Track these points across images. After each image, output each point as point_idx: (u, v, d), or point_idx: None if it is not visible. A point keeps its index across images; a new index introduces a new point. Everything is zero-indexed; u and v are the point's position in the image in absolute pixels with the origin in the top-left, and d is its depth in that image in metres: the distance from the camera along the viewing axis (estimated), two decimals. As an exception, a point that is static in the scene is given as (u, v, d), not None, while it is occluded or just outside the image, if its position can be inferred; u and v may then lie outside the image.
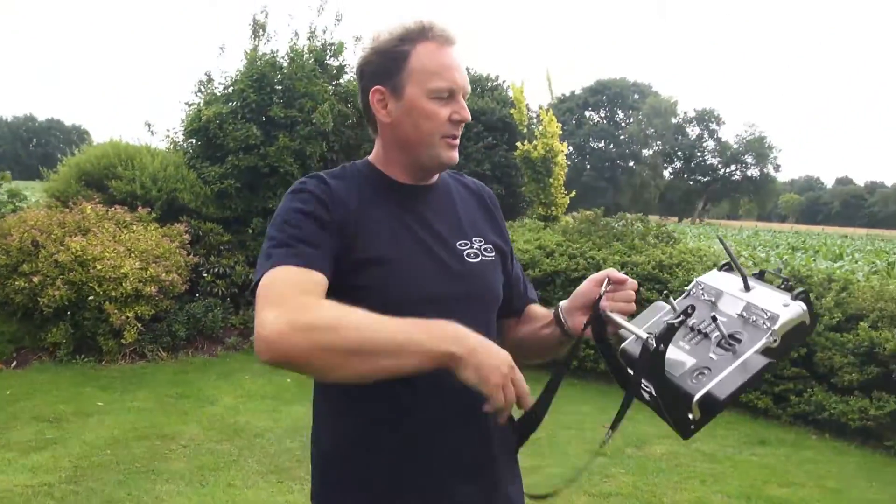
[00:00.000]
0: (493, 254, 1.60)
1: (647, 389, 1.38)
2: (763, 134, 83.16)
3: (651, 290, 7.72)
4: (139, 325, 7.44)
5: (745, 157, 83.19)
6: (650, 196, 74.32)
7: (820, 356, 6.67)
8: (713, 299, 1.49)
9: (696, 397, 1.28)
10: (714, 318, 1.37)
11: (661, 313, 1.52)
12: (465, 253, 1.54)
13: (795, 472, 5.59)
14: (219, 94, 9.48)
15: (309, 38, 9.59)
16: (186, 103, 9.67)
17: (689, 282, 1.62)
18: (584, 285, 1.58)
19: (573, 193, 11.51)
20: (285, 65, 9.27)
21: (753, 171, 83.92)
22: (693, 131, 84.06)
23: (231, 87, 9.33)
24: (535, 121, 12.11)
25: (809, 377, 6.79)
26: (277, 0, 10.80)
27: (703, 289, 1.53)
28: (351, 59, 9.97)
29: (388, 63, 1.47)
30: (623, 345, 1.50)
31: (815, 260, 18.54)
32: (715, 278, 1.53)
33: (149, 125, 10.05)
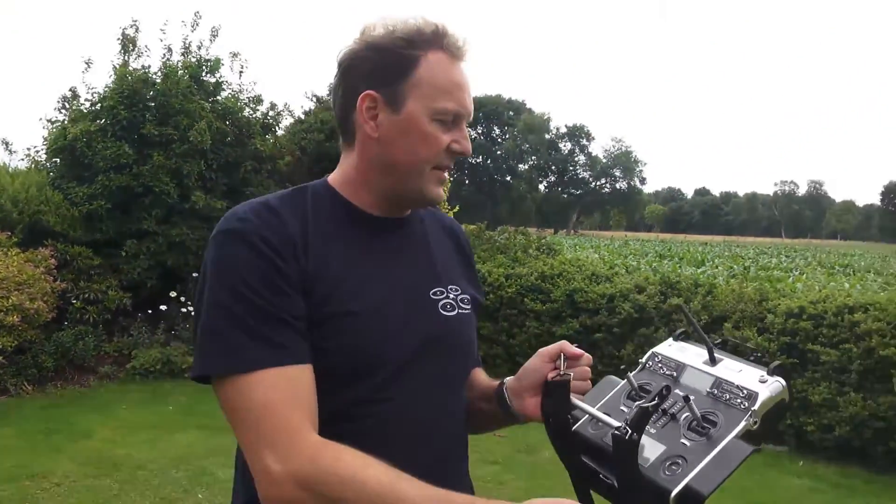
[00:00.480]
0: (469, 307, 1.38)
1: (608, 480, 1.20)
2: (629, 148, 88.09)
3: (535, 301, 7.99)
4: (0, 358, 6.90)
5: (614, 170, 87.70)
6: (527, 209, 76.64)
7: (690, 356, 7.11)
8: (674, 373, 1.31)
9: (674, 493, 1.09)
10: (687, 399, 1.18)
11: (614, 390, 1.37)
12: (440, 304, 1.31)
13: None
14: (85, 110, 8.99)
15: (183, 54, 9.29)
16: (49, 120, 9.10)
17: (644, 352, 1.47)
18: (534, 361, 1.37)
19: (456, 208, 11.71)
20: (158, 81, 8.92)
21: (622, 184, 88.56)
22: (565, 146, 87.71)
23: (99, 104, 8.87)
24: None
25: (682, 376, 7.22)
26: (148, 14, 10.38)
27: (659, 361, 1.36)
28: (228, 76, 9.74)
29: (389, 66, 1.21)
30: (575, 427, 1.32)
31: (680, 266, 19.75)
32: (672, 349, 1.36)
33: (6, 143, 9.39)
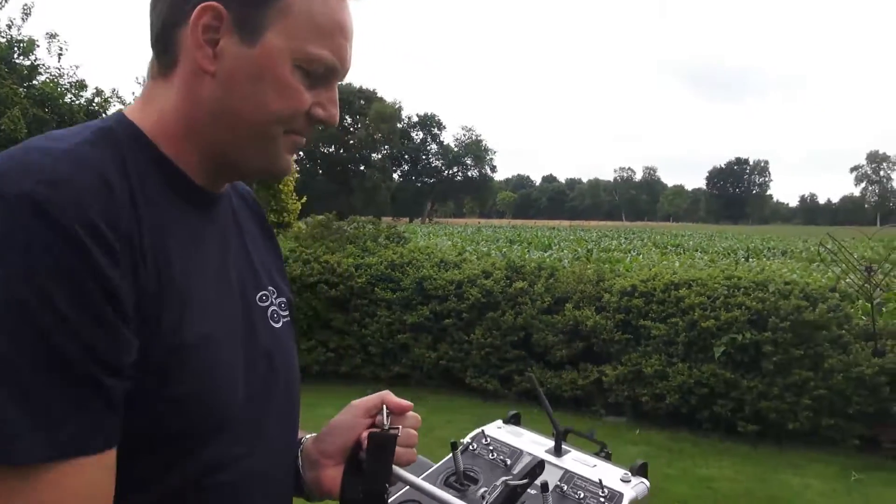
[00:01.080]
0: (288, 313, 1.03)
1: None
2: (480, 137, 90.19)
3: (385, 290, 7.97)
4: None
5: (465, 158, 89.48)
6: (382, 199, 76.67)
7: (536, 337, 7.39)
8: (507, 460, 1.14)
9: None
10: (545, 488, 1.01)
11: (426, 472, 1.18)
12: (268, 313, 0.97)
13: (521, 445, 6.12)
14: None
15: (-10, 34, 8.42)
16: None
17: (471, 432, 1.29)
18: (345, 416, 1.05)
19: (304, 199, 11.48)
20: (-39, 63, 8.03)
21: (473, 172, 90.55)
22: (418, 135, 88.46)
23: None
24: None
25: (528, 357, 7.49)
26: (-54, -12, 9.31)
27: (488, 444, 1.17)
28: (46, 58, 8.96)
29: None
30: None
31: (528, 251, 20.48)
32: (503, 432, 1.21)
33: None
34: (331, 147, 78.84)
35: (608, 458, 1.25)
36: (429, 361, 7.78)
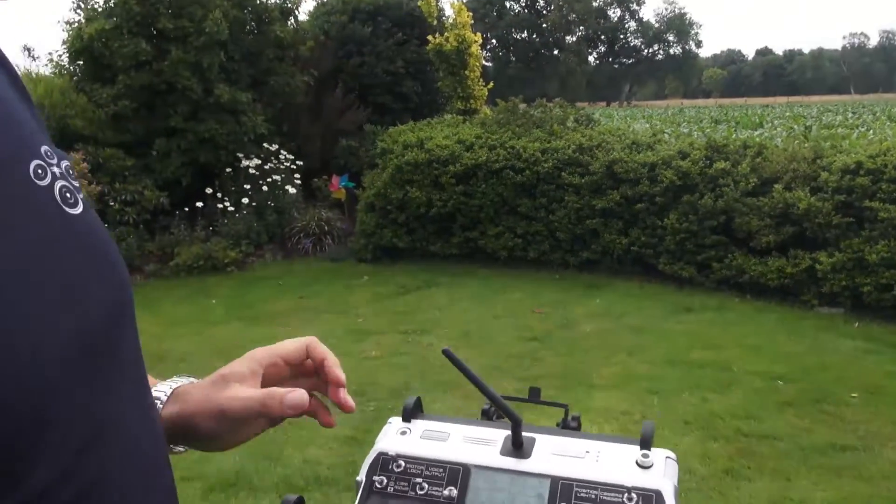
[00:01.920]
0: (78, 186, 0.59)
1: None
2: (683, 10, 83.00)
3: (573, 174, 7.66)
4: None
5: (667, 35, 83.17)
6: (577, 83, 73.96)
7: (738, 222, 6.78)
8: (441, 488, 0.81)
9: None
10: None
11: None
12: (56, 192, 0.52)
13: (719, 335, 5.75)
14: (99, 8, 8.73)
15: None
16: (67, 22, 8.90)
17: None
18: (242, 364, 0.79)
19: (491, 85, 11.23)
20: (167, -30, 8.55)
21: (676, 49, 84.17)
22: (614, 14, 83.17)
23: (111, 1, 8.59)
24: (444, 12, 11.63)
25: (729, 243, 6.92)
26: None
27: (397, 465, 0.84)
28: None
29: None
30: None
31: (735, 130, 18.83)
32: (410, 440, 0.87)
33: (28, 50, 9.28)
34: (523, 33, 76.67)
35: (579, 427, 0.93)
36: (619, 247, 7.47)
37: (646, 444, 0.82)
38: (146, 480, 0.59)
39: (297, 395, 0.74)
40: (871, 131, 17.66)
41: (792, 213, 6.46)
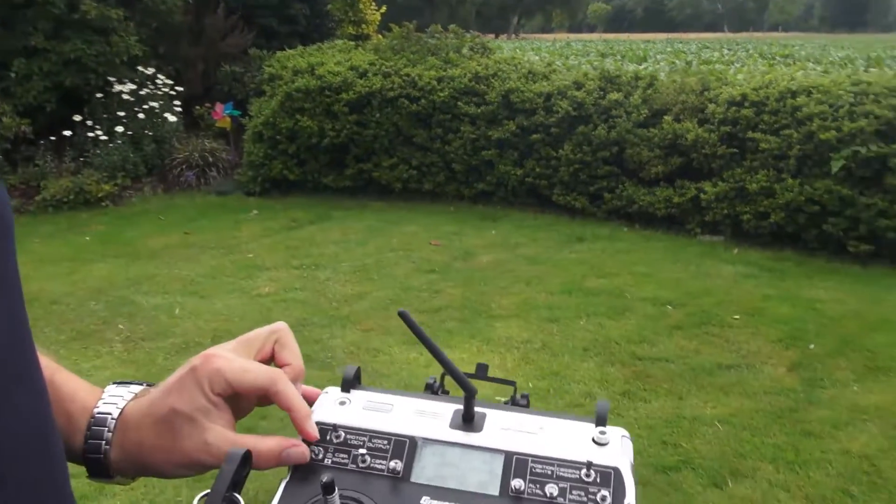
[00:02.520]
0: None
1: None
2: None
3: (469, 104, 7.54)
4: None
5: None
6: (466, 13, 73.15)
7: (629, 153, 6.91)
8: (386, 461, 0.72)
9: None
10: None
11: None
12: None
13: (610, 264, 5.90)
14: None
15: None
16: None
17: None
18: (199, 394, 0.66)
19: (383, 9, 10.83)
20: None
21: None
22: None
23: None
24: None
25: (620, 174, 7.07)
26: None
27: (336, 435, 0.73)
28: None
29: None
30: None
31: (622, 63, 19.19)
32: (351, 410, 0.76)
33: None
34: (412, -41, 74.67)
35: (528, 405, 0.88)
36: (514, 178, 7.47)
37: (601, 421, 0.77)
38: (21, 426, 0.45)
39: (300, 452, 0.68)
40: (745, 67, 18.47)
41: (680, 145, 6.64)
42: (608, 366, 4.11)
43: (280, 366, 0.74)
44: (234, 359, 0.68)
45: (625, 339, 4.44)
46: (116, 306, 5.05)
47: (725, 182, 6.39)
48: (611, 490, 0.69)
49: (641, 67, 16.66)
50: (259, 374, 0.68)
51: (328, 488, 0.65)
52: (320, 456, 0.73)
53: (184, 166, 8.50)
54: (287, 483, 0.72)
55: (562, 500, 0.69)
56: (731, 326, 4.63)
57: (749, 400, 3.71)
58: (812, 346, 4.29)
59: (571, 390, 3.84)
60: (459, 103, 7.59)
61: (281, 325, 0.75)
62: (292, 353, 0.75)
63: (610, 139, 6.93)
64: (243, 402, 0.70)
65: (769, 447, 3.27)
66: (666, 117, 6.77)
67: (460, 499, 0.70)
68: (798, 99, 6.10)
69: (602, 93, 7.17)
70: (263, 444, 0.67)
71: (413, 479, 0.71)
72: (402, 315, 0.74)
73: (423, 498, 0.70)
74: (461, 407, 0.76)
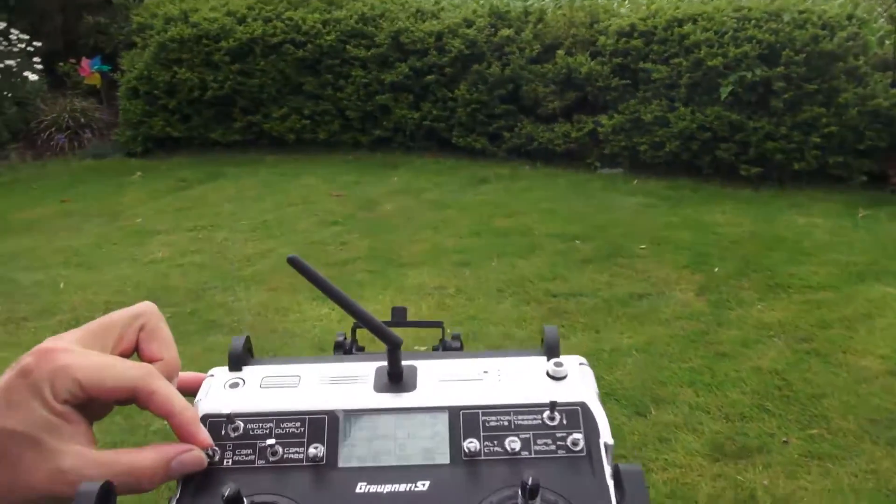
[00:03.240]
0: None
1: None
2: None
3: (358, 47, 7.24)
4: None
5: None
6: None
7: (525, 89, 6.85)
8: (307, 441, 0.59)
9: None
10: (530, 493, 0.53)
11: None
12: None
13: (516, 203, 5.87)
14: None
15: None
16: None
17: None
18: (40, 405, 0.49)
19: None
20: None
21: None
22: None
23: None
24: None
25: (518, 111, 7.01)
26: None
27: (233, 428, 0.59)
28: None
29: None
30: None
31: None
32: (247, 393, 0.62)
33: None
34: None
35: (461, 347, 0.79)
36: (412, 122, 7.29)
37: (553, 351, 0.65)
38: None
39: (195, 458, 0.54)
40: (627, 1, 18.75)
41: (574, 79, 6.63)
42: (524, 305, 4.09)
43: (148, 361, 0.57)
44: (84, 353, 0.52)
45: (538, 276, 4.43)
46: None
47: (621, 114, 6.44)
48: (582, 430, 0.59)
49: (529, 2, 16.58)
50: (123, 371, 0.52)
51: (234, 502, 0.51)
52: (217, 458, 0.57)
53: (53, 129, 7.82)
54: (177, 501, 0.57)
55: (526, 453, 0.58)
56: (638, 256, 4.71)
57: (663, 327, 3.79)
58: (717, 270, 4.42)
59: (490, 332, 3.80)
60: (348, 47, 7.28)
61: (146, 308, 0.59)
62: (163, 342, 0.58)
63: (505, 76, 6.84)
64: (97, 408, 0.54)
65: (686, 371, 3.35)
66: (558, 52, 6.73)
67: (404, 476, 0.57)
68: (685, 27, 6.18)
69: (493, 29, 7.04)
70: (142, 459, 0.52)
71: (341, 463, 0.58)
72: (292, 262, 0.58)
73: (359, 485, 0.56)
74: (384, 363, 0.62)
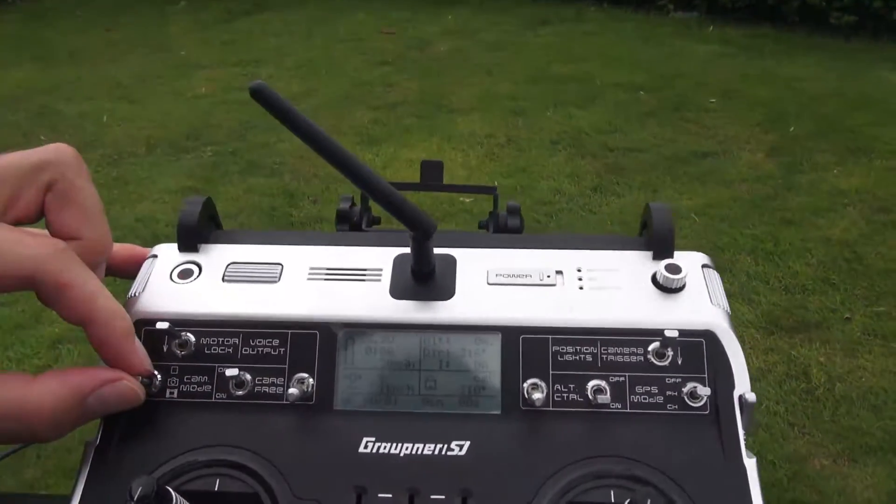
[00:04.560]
0: None
1: None
2: None
3: None
4: None
5: None
6: None
7: (598, -82, 6.18)
8: (288, 369, 0.42)
9: None
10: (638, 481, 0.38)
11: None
12: None
13: (578, 48, 5.45)
14: None
15: None
16: None
17: None
18: None
19: None
20: None
21: None
22: None
23: None
24: None
25: (588, -56, 6.37)
26: None
27: (179, 343, 0.43)
28: None
29: None
30: None
31: None
32: (225, 293, 0.44)
33: None
34: None
35: (521, 224, 0.55)
36: (471, -46, 6.71)
37: (664, 246, 0.45)
38: None
39: (124, 392, 0.38)
40: None
41: None
42: (578, 159, 3.85)
43: (61, 236, 0.39)
44: None
45: (595, 129, 4.15)
46: (37, 116, 4.55)
47: (703, -51, 5.79)
48: (706, 375, 0.39)
49: None
50: (15, 250, 0.35)
51: (163, 497, 0.33)
52: (157, 388, 0.39)
53: (95, -48, 7.47)
54: (97, 449, 0.39)
55: (618, 406, 0.39)
56: (706, 111, 4.35)
57: (726, 189, 3.52)
58: (792, 129, 4.05)
59: (540, 187, 3.60)
60: None
61: (57, 155, 0.40)
62: (83, 210, 0.40)
63: None
64: None
65: (747, 238, 3.13)
66: None
67: (431, 431, 0.38)
68: None
69: None
70: (39, 393, 0.35)
71: (339, 405, 0.40)
72: (255, 92, 0.37)
73: (364, 441, 0.38)
74: (408, 251, 0.42)
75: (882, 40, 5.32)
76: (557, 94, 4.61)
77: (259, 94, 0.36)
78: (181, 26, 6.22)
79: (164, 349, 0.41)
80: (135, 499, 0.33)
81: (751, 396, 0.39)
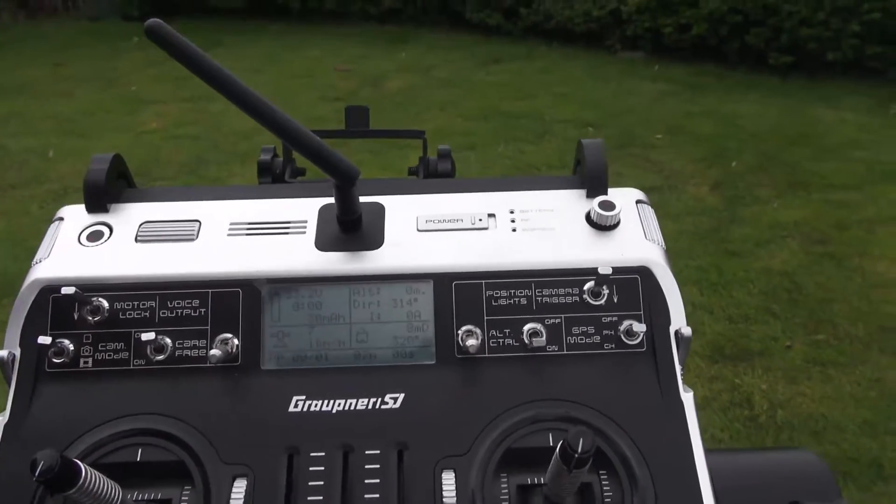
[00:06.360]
0: None
1: None
2: None
3: None
4: None
5: None
6: None
7: (546, -39, 6.36)
8: (210, 330, 0.41)
9: None
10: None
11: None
12: None
13: (529, 85, 5.57)
14: None
15: None
16: None
17: None
18: None
19: None
20: None
21: None
22: None
23: None
24: None
25: (537, -15, 6.55)
26: None
27: (89, 309, 0.41)
28: None
29: None
30: None
31: None
32: (139, 254, 0.44)
33: None
34: None
35: (453, 169, 0.55)
36: (424, -6, 6.85)
37: (597, 182, 0.46)
38: None
39: None
40: None
41: (601, -49, 6.14)
42: (529, 193, 3.91)
43: None
44: None
45: (546, 164, 4.23)
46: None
47: (647, -10, 6.00)
48: (642, 311, 0.37)
49: None
50: None
51: (69, 470, 0.30)
52: (69, 355, 0.37)
53: (46, -13, 7.41)
54: (5, 427, 0.37)
55: (555, 348, 0.38)
56: (653, 146, 4.47)
57: (673, 222, 3.61)
58: (734, 164, 4.19)
59: (492, 221, 3.64)
60: None
61: None
62: None
63: (526, -54, 6.35)
64: None
65: (693, 269, 3.20)
66: (586, -80, 6.19)
67: (364, 385, 0.36)
68: None
69: None
70: None
71: (266, 364, 0.38)
72: (151, 31, 0.35)
73: (294, 400, 0.36)
74: (332, 201, 0.40)
75: (818, 79, 5.55)
76: (509, 130, 4.69)
77: (155, 34, 0.35)
78: (133, 62, 6.19)
79: (75, 316, 0.40)
80: (36, 473, 0.31)
81: (686, 331, 0.40)
